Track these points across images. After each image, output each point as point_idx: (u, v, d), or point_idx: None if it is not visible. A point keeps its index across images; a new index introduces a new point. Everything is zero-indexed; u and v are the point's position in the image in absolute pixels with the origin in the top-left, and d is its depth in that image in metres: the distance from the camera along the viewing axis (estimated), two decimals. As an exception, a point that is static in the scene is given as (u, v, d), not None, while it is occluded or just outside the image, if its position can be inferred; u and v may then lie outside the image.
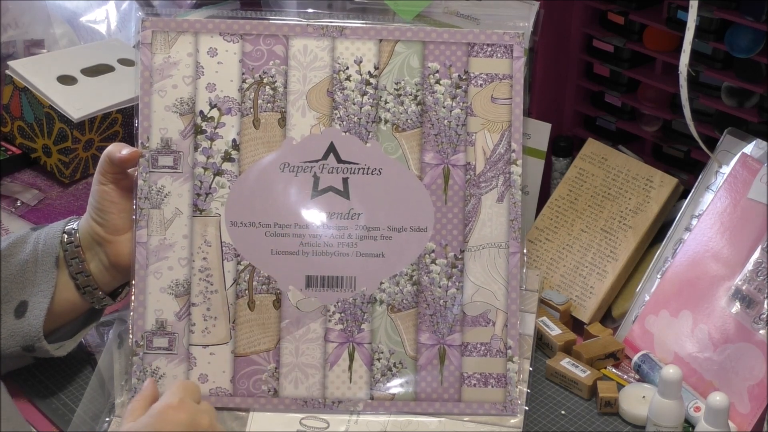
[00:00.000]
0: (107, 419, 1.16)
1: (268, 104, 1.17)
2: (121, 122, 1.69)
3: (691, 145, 1.42)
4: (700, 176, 1.37)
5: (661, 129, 1.50)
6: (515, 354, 1.17)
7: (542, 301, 1.36)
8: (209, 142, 1.18)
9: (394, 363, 1.16)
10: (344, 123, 1.17)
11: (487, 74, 1.18)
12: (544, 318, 1.34)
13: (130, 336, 1.17)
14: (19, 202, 1.61)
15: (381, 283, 1.17)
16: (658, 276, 1.34)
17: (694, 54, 1.37)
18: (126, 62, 1.78)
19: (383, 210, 1.18)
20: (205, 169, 1.17)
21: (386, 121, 1.17)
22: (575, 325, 1.37)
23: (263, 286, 1.17)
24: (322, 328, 1.16)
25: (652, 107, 1.48)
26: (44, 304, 1.17)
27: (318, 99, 1.17)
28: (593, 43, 1.50)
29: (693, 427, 1.19)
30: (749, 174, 1.30)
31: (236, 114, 1.17)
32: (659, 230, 1.40)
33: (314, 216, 1.17)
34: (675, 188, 1.40)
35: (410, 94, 1.17)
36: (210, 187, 1.17)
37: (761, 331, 1.21)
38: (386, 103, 1.17)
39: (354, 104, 1.17)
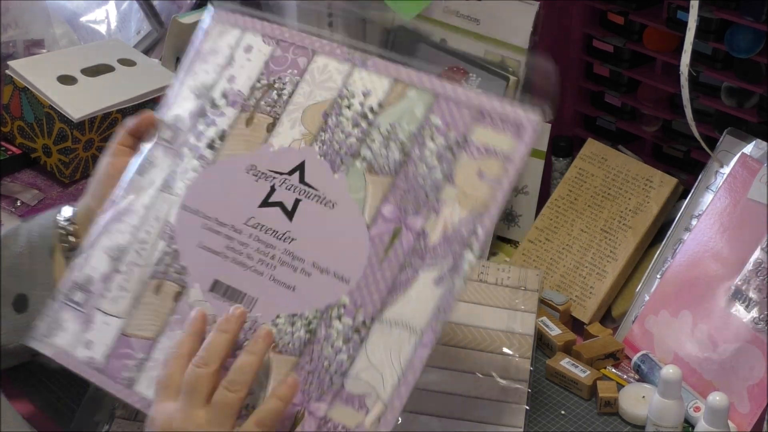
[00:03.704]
0: (108, 420, 1.16)
1: (267, 107, 1.17)
2: (121, 122, 1.69)
3: (691, 145, 1.42)
4: (699, 176, 1.37)
5: (661, 129, 1.50)
6: None
7: (542, 301, 1.36)
8: (205, 127, 1.17)
9: (248, 404, 1.04)
10: (323, 147, 1.12)
11: (486, 148, 1.06)
12: (544, 318, 1.34)
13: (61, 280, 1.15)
14: (19, 202, 1.61)
15: (277, 316, 1.07)
16: (658, 276, 1.35)
17: (694, 54, 1.37)
18: (126, 62, 1.78)
19: (316, 244, 1.09)
20: (190, 150, 1.17)
21: (364, 159, 1.11)
22: (575, 325, 1.37)
23: (176, 275, 1.13)
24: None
25: (652, 107, 1.48)
26: (48, 298, 1.16)
27: (312, 117, 1.14)
28: (593, 43, 1.51)
29: (693, 427, 1.19)
30: (749, 174, 1.30)
31: (237, 108, 1.18)
32: (659, 230, 1.40)
33: (251, 225, 1.12)
34: (675, 188, 1.40)
35: (398, 141, 1.10)
36: (185, 169, 1.16)
37: (761, 331, 1.21)
38: (372, 141, 1.11)
39: (342, 133, 1.12)
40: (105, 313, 1.13)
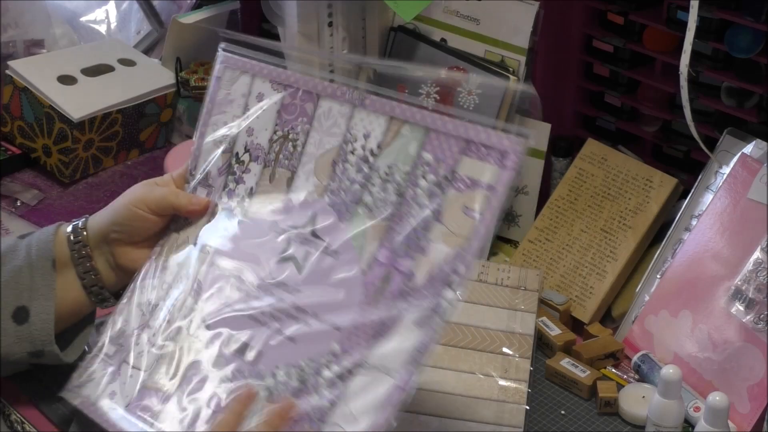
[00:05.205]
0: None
1: (285, 160, 1.16)
2: (121, 122, 1.69)
3: (691, 145, 1.42)
4: (699, 176, 1.37)
5: (661, 129, 1.50)
6: None
7: (542, 301, 1.36)
8: (235, 184, 1.18)
9: None
10: (332, 197, 1.12)
11: (471, 180, 1.04)
12: (544, 318, 1.34)
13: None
14: (19, 202, 1.61)
15: (277, 367, 1.07)
16: (658, 276, 1.35)
17: (694, 54, 1.37)
18: (126, 62, 1.78)
19: (318, 295, 1.09)
20: (222, 208, 1.18)
21: (365, 205, 1.09)
22: (575, 325, 1.37)
23: (184, 319, 1.14)
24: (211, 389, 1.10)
25: (651, 107, 1.48)
26: (50, 308, 1.16)
27: (323, 168, 1.13)
28: (593, 43, 1.51)
29: (693, 427, 1.19)
30: (749, 174, 1.30)
31: (261, 163, 1.17)
32: (659, 230, 1.40)
33: (269, 281, 1.12)
34: (675, 188, 1.40)
35: (395, 183, 1.08)
36: (216, 227, 1.18)
37: (761, 331, 1.21)
38: (373, 186, 1.09)
39: (348, 180, 1.11)
40: (131, 366, 1.14)
